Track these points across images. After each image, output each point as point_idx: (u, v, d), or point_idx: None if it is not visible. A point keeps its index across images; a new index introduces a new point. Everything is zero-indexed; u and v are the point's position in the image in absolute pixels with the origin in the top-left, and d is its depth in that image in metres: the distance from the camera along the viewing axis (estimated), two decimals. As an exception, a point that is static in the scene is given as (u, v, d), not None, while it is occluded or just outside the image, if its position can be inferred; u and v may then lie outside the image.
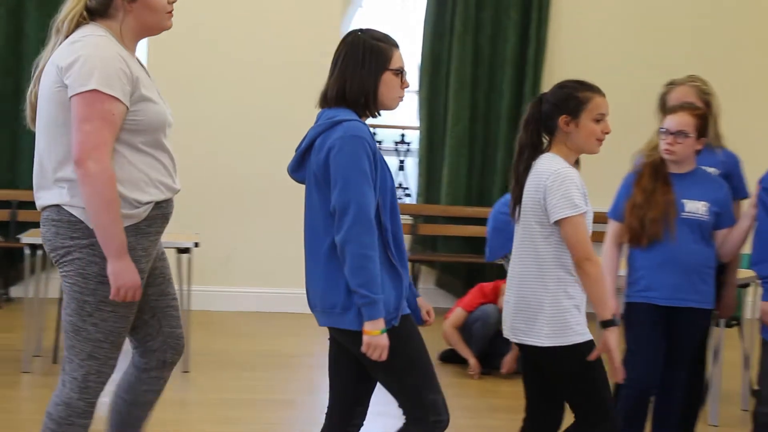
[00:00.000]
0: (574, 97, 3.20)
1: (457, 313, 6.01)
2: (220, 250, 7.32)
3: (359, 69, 2.93)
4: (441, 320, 6.32)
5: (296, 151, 3.03)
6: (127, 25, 2.95)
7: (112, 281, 2.86)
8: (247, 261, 7.42)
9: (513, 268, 3.29)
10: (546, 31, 8.08)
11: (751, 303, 5.02)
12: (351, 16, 8.19)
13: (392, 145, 8.44)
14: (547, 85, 8.05)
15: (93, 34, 2.88)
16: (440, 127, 8.12)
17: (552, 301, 3.14)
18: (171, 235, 5.84)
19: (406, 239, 8.13)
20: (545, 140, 3.26)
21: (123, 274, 2.86)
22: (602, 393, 3.20)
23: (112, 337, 2.96)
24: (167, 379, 3.22)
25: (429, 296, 8.12)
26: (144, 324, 3.14)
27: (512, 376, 5.81)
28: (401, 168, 8.46)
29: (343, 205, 2.81)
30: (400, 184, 8.46)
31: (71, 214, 2.89)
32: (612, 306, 3.19)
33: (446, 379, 5.81)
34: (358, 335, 2.86)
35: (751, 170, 4.26)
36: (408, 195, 8.48)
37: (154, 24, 3.00)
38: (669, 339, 3.89)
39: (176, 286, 5.53)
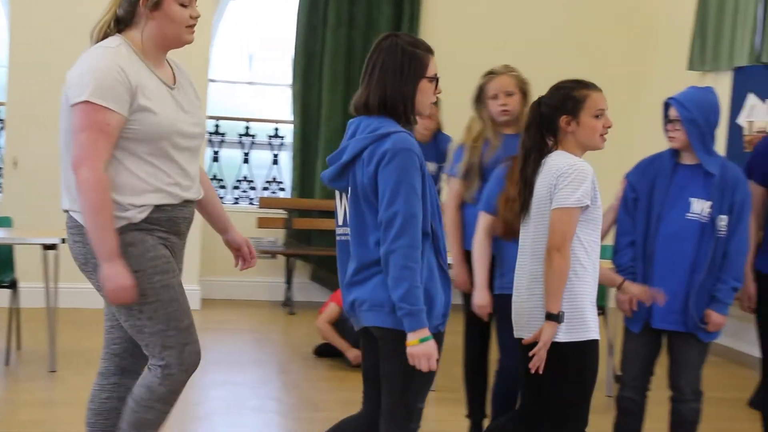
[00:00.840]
0: (571, 97, 3.25)
1: (331, 308, 6.02)
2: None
3: (399, 76, 2.92)
4: (316, 315, 6.34)
5: (333, 160, 3.00)
6: (148, 33, 3.02)
7: (105, 285, 2.91)
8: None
9: (524, 267, 3.31)
10: (418, 26, 8.17)
11: (614, 292, 5.19)
12: (222, 10, 8.09)
13: (266, 139, 8.39)
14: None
15: (102, 46, 2.97)
16: (314, 121, 8.11)
17: (568, 297, 3.16)
18: (38, 231, 5.72)
19: (280, 234, 8.11)
20: (550, 141, 3.29)
21: (114, 278, 2.90)
22: (588, 397, 3.25)
23: (173, 322, 3.01)
24: (130, 388, 3.16)
25: (304, 290, 8.11)
26: (118, 326, 3.16)
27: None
28: (275, 162, 8.42)
29: (390, 217, 2.81)
30: (274, 179, 8.42)
31: (75, 220, 3.00)
32: (560, 302, 3.17)
33: (323, 372, 5.83)
34: (398, 334, 2.85)
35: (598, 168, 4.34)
36: (282, 189, 8.44)
37: (173, 36, 3.04)
38: None
39: (42, 284, 5.46)
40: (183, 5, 3.01)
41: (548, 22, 8.41)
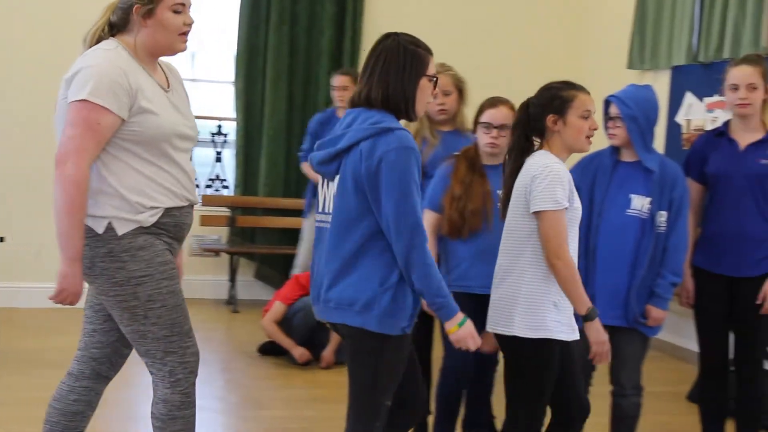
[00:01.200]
0: (559, 97, 3.27)
1: (276, 307, 5.99)
2: (30, 245, 7.06)
3: (401, 73, 2.98)
4: (260, 313, 6.32)
5: (326, 145, 3.03)
6: (141, 40, 3.03)
7: (58, 282, 2.91)
8: (57, 257, 7.12)
9: (499, 263, 3.34)
10: (361, 22, 8.16)
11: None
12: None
13: (209, 137, 8.32)
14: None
15: (100, 48, 2.99)
16: (257, 118, 8.07)
17: (528, 294, 3.19)
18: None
19: (223, 231, 8.06)
20: (536, 142, 3.32)
21: (69, 279, 2.91)
22: (543, 396, 3.26)
23: (176, 328, 3.03)
24: (100, 393, 3.21)
25: (248, 288, 8.06)
26: (102, 331, 3.18)
27: (332, 367, 5.86)
28: (218, 159, 8.35)
29: (399, 217, 2.87)
30: (218, 176, 8.35)
31: (85, 224, 2.95)
32: (587, 301, 3.20)
33: (267, 371, 5.80)
34: (368, 334, 2.92)
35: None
36: (226, 187, 8.38)
37: (166, 43, 3.06)
38: (480, 326, 3.99)
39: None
40: (176, 12, 3.03)
41: (488, 21, 8.46)
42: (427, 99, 3.06)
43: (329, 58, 8.08)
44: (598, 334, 3.24)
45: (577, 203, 3.26)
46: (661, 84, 7.31)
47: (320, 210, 3.09)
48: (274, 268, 8.02)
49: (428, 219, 3.90)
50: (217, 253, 7.95)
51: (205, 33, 8.19)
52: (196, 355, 3.10)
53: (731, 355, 4.10)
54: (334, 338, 5.91)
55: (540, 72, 8.33)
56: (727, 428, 4.18)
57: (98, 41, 3.04)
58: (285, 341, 5.93)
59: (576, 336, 3.27)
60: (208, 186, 8.36)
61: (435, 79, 3.06)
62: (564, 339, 3.22)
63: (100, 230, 2.95)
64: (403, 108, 3.00)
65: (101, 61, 2.94)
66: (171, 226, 3.05)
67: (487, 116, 3.90)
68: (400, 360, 3.01)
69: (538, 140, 3.32)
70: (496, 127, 3.90)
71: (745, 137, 3.99)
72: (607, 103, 3.83)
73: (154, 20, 3.01)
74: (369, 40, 8.14)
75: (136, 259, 2.96)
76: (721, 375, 4.08)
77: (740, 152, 3.97)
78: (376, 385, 2.98)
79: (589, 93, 3.33)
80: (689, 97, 7.05)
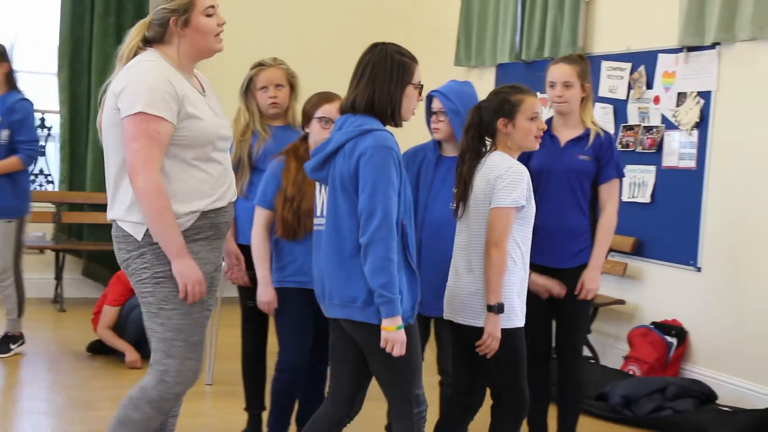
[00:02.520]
0: (508, 101, 3.47)
1: (107, 312, 5.84)
2: None
3: (388, 81, 3.14)
4: (89, 311, 6.16)
5: (316, 152, 3.19)
6: (183, 49, 3.19)
7: (178, 280, 3.08)
8: None
9: (459, 258, 3.48)
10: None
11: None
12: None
13: (31, 130, 8.02)
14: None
15: (144, 60, 3.13)
16: (83, 112, 7.85)
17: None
18: None
19: (48, 228, 7.80)
20: (488, 143, 3.50)
21: (185, 272, 3.07)
22: (521, 376, 3.48)
23: (182, 334, 3.13)
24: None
25: (75, 286, 7.85)
26: None
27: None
28: (42, 154, 8.06)
29: (370, 210, 3.00)
30: (41, 171, 8.07)
31: (123, 229, 3.12)
32: (501, 296, 3.37)
33: (96, 371, 5.67)
34: (374, 328, 3.05)
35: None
36: (50, 182, 8.10)
37: (205, 47, 3.21)
38: (316, 321, 4.03)
39: None
40: (209, 15, 3.19)
41: (317, 16, 8.51)
42: (412, 105, 3.22)
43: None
44: (496, 328, 3.39)
45: (533, 201, 3.46)
46: (486, 81, 7.56)
47: (317, 214, 3.24)
48: (103, 265, 7.81)
49: (260, 216, 3.90)
50: (41, 250, 7.68)
51: (26, 23, 7.91)
52: (194, 372, 3.20)
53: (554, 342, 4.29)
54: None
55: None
56: (549, 413, 4.37)
57: (135, 55, 3.17)
58: (120, 344, 5.80)
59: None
60: (32, 181, 8.06)
61: (420, 86, 3.22)
62: (521, 326, 3.47)
63: (139, 236, 3.10)
64: (389, 114, 3.16)
65: (147, 73, 3.08)
66: (207, 227, 3.18)
67: (324, 111, 3.93)
68: (412, 349, 3.11)
69: (490, 140, 3.52)
70: (334, 122, 3.94)
71: (565, 133, 4.17)
72: (430, 98, 3.93)
73: (191, 28, 3.17)
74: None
75: (163, 262, 3.10)
76: (543, 361, 4.26)
77: (560, 148, 4.15)
78: (396, 376, 3.15)
79: (535, 95, 3.55)
80: (513, 94, 7.30)
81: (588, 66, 4.19)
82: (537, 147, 3.59)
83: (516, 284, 3.45)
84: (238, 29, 8.15)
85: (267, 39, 7.74)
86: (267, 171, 3.97)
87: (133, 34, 3.23)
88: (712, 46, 5.64)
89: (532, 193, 3.46)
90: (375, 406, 3.74)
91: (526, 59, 7.13)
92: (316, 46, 8.23)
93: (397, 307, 3.02)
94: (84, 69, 7.81)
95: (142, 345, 5.86)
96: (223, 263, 3.73)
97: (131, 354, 5.75)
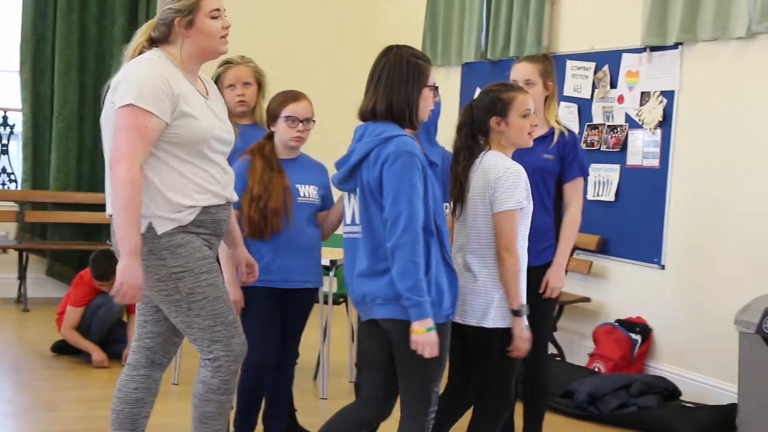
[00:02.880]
0: (500, 99, 3.50)
1: (70, 313, 5.80)
2: None
3: (405, 85, 3.16)
4: (53, 311, 6.11)
5: (341, 164, 3.24)
6: (186, 50, 3.23)
7: (118, 277, 3.05)
8: None
9: (457, 258, 3.48)
10: (155, 11, 7.94)
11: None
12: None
13: (-7, 128, 7.95)
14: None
15: (143, 57, 3.19)
16: (46, 109, 7.78)
17: (500, 287, 3.41)
18: None
19: (11, 227, 7.73)
20: (481, 141, 3.51)
21: (127, 272, 3.04)
22: (511, 376, 3.51)
23: (220, 318, 3.21)
24: (158, 379, 3.42)
25: (39, 286, 7.78)
26: (153, 321, 3.36)
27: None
28: (4, 152, 7.98)
29: (395, 215, 3.05)
30: (3, 169, 7.98)
31: None
32: (522, 297, 3.41)
33: (61, 371, 5.63)
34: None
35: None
36: (13, 181, 8.02)
37: (210, 48, 3.25)
38: (283, 320, 4.03)
39: None
40: (213, 17, 3.22)
41: (285, 15, 8.50)
42: (428, 107, 3.25)
43: (122, 47, 7.83)
44: (524, 330, 3.45)
45: (531, 200, 3.49)
46: (452, 80, 7.59)
47: (348, 222, 3.29)
48: (68, 265, 7.76)
49: None
50: (4, 250, 7.61)
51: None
52: (242, 345, 3.28)
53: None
54: (132, 335, 5.80)
55: (337, 68, 8.50)
56: (515, 410, 4.39)
57: (140, 53, 3.22)
58: (86, 345, 5.76)
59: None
60: (-6, 180, 7.99)
61: (436, 87, 3.25)
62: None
63: (142, 230, 3.11)
64: (407, 117, 3.18)
65: (144, 68, 3.13)
66: (209, 223, 3.23)
67: (291, 110, 3.93)
68: (445, 347, 3.17)
69: (483, 139, 3.53)
70: (301, 121, 3.96)
71: None
72: None
73: (196, 29, 3.21)
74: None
75: (176, 255, 3.15)
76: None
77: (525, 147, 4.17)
78: (426, 372, 3.17)
79: (527, 93, 3.59)
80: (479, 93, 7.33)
81: (552, 65, 4.21)
82: (530, 144, 3.61)
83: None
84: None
85: (232, 37, 7.70)
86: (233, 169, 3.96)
87: (139, 34, 3.28)
88: (675, 46, 5.69)
89: (530, 192, 3.48)
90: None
91: (492, 58, 7.17)
92: (281, 44, 8.22)
93: (426, 310, 3.05)
94: (47, 66, 7.74)
95: (107, 345, 5.83)
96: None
97: (97, 354, 5.71)
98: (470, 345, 3.50)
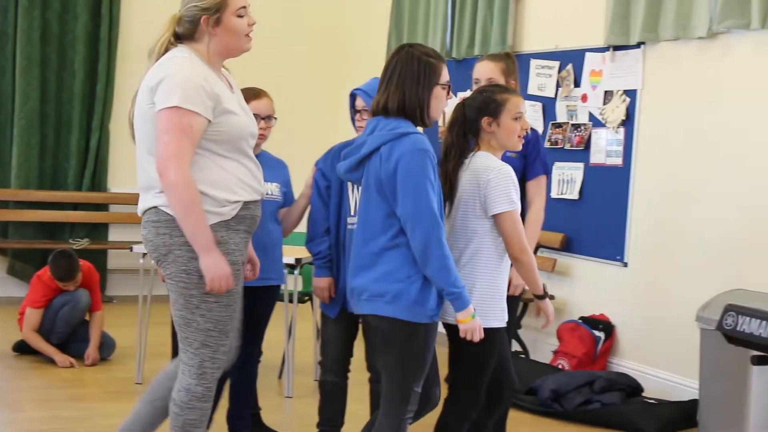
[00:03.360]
0: (493, 100, 3.48)
1: (30, 315, 5.73)
2: None
3: (416, 83, 3.19)
4: (14, 311, 6.05)
5: (351, 154, 3.27)
6: (214, 47, 3.25)
7: (205, 274, 3.11)
8: None
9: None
10: (119, 8, 7.95)
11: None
12: None
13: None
14: (121, 63, 7.95)
15: (177, 56, 3.19)
16: (8, 107, 7.69)
17: (483, 287, 3.37)
18: None
19: (-28, 226, 7.64)
20: (471, 141, 3.50)
21: (213, 267, 3.11)
22: (484, 378, 3.48)
23: (219, 325, 3.22)
24: (221, 379, 3.45)
25: (0, 285, 7.69)
26: None
27: (98, 363, 5.71)
28: (-35, 149, 7.89)
29: (416, 212, 3.09)
30: (-36, 167, 7.89)
31: (168, 214, 3.14)
32: (541, 284, 3.51)
33: (23, 371, 5.58)
34: (398, 323, 3.15)
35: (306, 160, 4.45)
36: (-27, 178, 7.93)
37: (235, 46, 3.27)
38: (245, 317, 4.01)
39: None
40: (240, 16, 3.24)
41: (252, 12, 8.45)
42: (441, 105, 3.27)
43: (85, 45, 7.82)
44: (549, 306, 3.58)
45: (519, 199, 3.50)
46: (417, 78, 7.56)
47: (351, 214, 3.36)
48: (30, 263, 7.68)
49: None
50: (-36, 248, 7.53)
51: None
52: (226, 354, 3.29)
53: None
54: (95, 334, 5.76)
55: (302, 67, 8.48)
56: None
57: (166, 51, 3.23)
58: (47, 349, 5.70)
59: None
60: (-46, 178, 7.89)
61: (448, 85, 3.25)
62: (500, 326, 3.46)
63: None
64: (419, 115, 3.22)
65: (183, 68, 3.14)
66: (248, 218, 3.26)
67: (253, 107, 3.92)
68: (428, 347, 3.21)
69: (473, 138, 3.52)
70: (263, 118, 3.98)
71: None
72: (353, 96, 3.93)
73: (222, 27, 3.22)
74: (126, 26, 7.96)
75: None
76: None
77: (489, 145, 4.18)
78: (407, 371, 3.20)
79: (520, 96, 3.57)
80: (443, 92, 7.35)
81: (514, 63, 4.23)
82: (520, 147, 3.62)
83: (500, 284, 3.47)
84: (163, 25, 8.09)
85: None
86: None
87: (163, 30, 3.28)
88: (638, 45, 5.74)
89: (518, 191, 3.48)
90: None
91: (457, 57, 7.18)
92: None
93: (467, 299, 3.15)
94: (8, 63, 7.66)
95: (69, 344, 5.78)
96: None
97: (59, 357, 5.66)
98: (455, 344, 3.47)
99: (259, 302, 4.06)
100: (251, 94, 3.97)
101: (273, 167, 4.09)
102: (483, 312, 3.38)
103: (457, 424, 3.56)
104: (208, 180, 3.15)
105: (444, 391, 3.54)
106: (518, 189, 3.46)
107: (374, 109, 3.27)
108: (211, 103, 3.13)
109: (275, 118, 4.08)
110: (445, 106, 3.31)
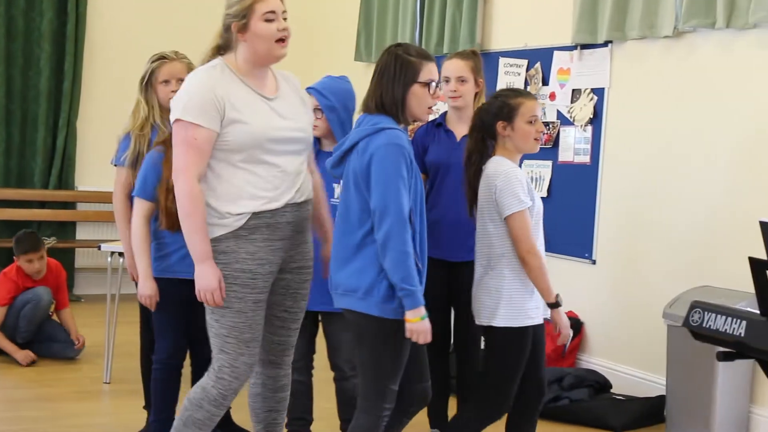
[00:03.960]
0: (507, 104, 3.54)
1: None
2: None
3: (392, 81, 3.25)
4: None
5: (336, 150, 3.32)
6: (241, 54, 3.28)
7: (196, 282, 3.22)
8: None
9: (479, 259, 3.60)
10: (85, 5, 7.88)
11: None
12: None
13: None
14: (88, 60, 7.89)
15: (199, 69, 3.29)
16: (-28, 104, 7.62)
17: (510, 288, 3.48)
18: None
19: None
20: (491, 145, 3.58)
21: (201, 278, 3.20)
22: (513, 379, 3.53)
23: (234, 332, 3.25)
24: (272, 377, 3.51)
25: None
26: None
27: (55, 363, 5.67)
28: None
29: (384, 206, 3.12)
30: (-72, 165, 7.80)
31: None
32: (553, 290, 3.48)
33: (-14, 371, 5.52)
34: (370, 319, 3.19)
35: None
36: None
37: (265, 52, 3.27)
38: (200, 313, 3.97)
39: None
40: (269, 21, 3.24)
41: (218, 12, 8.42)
42: (424, 103, 3.29)
43: (51, 42, 7.75)
44: (563, 318, 3.54)
45: (538, 201, 3.55)
46: (386, 76, 7.57)
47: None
48: (-6, 263, 7.61)
49: (141, 208, 3.85)
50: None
51: None
52: (248, 367, 3.30)
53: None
54: (69, 323, 5.71)
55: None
56: (450, 405, 4.42)
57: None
58: (7, 347, 5.65)
59: (544, 317, 3.56)
60: None
61: (431, 83, 3.28)
62: (539, 322, 3.54)
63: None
64: (395, 112, 3.26)
65: (192, 81, 3.24)
66: (263, 227, 3.26)
67: (164, 73, 3.90)
68: (401, 344, 3.22)
69: (492, 143, 3.59)
70: (177, 80, 3.93)
71: (460, 128, 4.20)
72: None
73: (250, 32, 3.24)
74: (93, 23, 7.89)
75: (221, 261, 3.23)
76: (443, 354, 4.31)
77: (456, 143, 4.18)
78: (380, 367, 3.23)
79: (535, 99, 3.63)
80: (412, 90, 7.36)
81: (481, 61, 4.26)
82: (537, 150, 3.66)
83: (529, 284, 3.51)
84: (131, 23, 8.03)
85: (168, 33, 7.63)
86: (146, 161, 3.92)
87: (209, 44, 3.37)
88: (605, 44, 5.78)
89: (534, 193, 3.56)
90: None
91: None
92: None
93: (418, 299, 3.15)
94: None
95: (36, 344, 5.73)
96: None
97: (19, 353, 5.61)
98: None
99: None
100: None
101: None
102: (512, 313, 3.48)
103: (476, 424, 3.60)
104: (214, 192, 3.24)
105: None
106: (526, 187, 3.51)
107: (362, 106, 3.35)
108: (217, 114, 3.18)
109: None
110: (431, 104, 3.34)
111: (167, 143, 3.90)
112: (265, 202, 3.25)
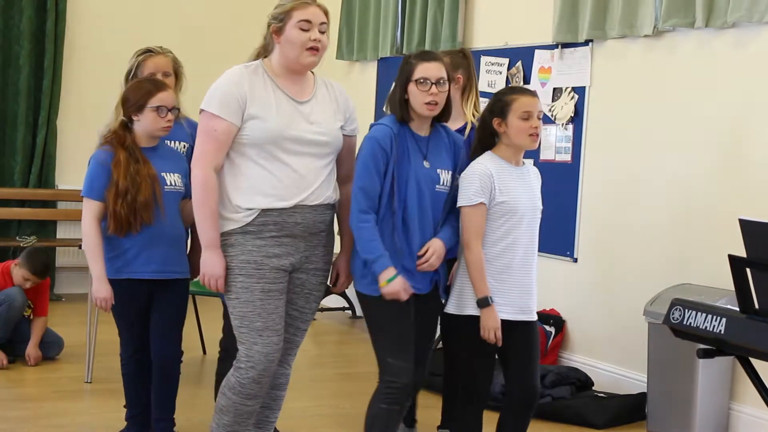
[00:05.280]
0: (500, 101, 3.60)
1: None
2: None
3: (396, 84, 3.56)
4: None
5: None
6: (276, 57, 3.43)
7: (201, 269, 3.38)
8: None
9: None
10: (65, 2, 7.82)
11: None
12: None
13: None
14: (68, 58, 7.84)
15: (237, 66, 3.42)
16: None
17: (461, 278, 3.59)
18: None
19: None
20: (496, 141, 3.65)
21: (205, 265, 3.37)
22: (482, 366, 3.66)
23: (245, 321, 3.36)
24: (283, 374, 3.63)
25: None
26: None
27: (41, 363, 5.63)
28: None
29: (353, 190, 3.47)
30: None
31: None
32: (486, 290, 3.51)
33: (-34, 371, 5.48)
34: (362, 297, 3.53)
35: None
36: None
37: (294, 58, 3.38)
38: (159, 314, 3.95)
39: None
40: (303, 29, 3.35)
41: (203, 10, 8.41)
42: (419, 100, 3.49)
43: (30, 39, 7.70)
44: (488, 319, 3.50)
45: (502, 198, 3.53)
46: (368, 75, 7.61)
47: None
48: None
49: (91, 208, 3.80)
50: None
51: None
52: (263, 356, 3.35)
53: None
54: (36, 332, 5.62)
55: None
56: (432, 402, 4.43)
57: None
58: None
59: (519, 317, 3.58)
60: None
61: (425, 81, 3.46)
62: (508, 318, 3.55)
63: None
64: (398, 111, 3.53)
65: (223, 76, 3.39)
66: (271, 224, 3.36)
67: (160, 100, 3.87)
68: (384, 318, 3.48)
69: (494, 139, 3.65)
70: (170, 110, 3.89)
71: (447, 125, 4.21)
72: None
73: (284, 37, 3.37)
74: (74, 20, 7.85)
75: (229, 253, 3.37)
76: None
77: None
78: (377, 341, 3.51)
79: (532, 95, 3.62)
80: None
81: (467, 59, 4.26)
82: (534, 146, 3.65)
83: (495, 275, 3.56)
84: (111, 20, 8.00)
85: (150, 30, 7.61)
86: (93, 160, 3.87)
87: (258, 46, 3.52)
88: (586, 42, 5.80)
89: (499, 190, 3.53)
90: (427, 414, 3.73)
91: (408, 53, 7.19)
92: (194, 38, 8.11)
93: (382, 263, 3.40)
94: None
95: (13, 344, 5.66)
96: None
97: (-7, 356, 5.56)
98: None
99: (170, 297, 3.95)
100: (158, 87, 3.90)
101: (173, 158, 4.01)
102: (460, 303, 3.55)
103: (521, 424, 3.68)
104: (231, 185, 3.36)
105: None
106: (487, 185, 3.52)
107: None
108: (239, 108, 3.31)
109: (179, 110, 4.00)
110: (427, 100, 3.49)
111: (113, 143, 3.86)
112: (274, 200, 3.34)
